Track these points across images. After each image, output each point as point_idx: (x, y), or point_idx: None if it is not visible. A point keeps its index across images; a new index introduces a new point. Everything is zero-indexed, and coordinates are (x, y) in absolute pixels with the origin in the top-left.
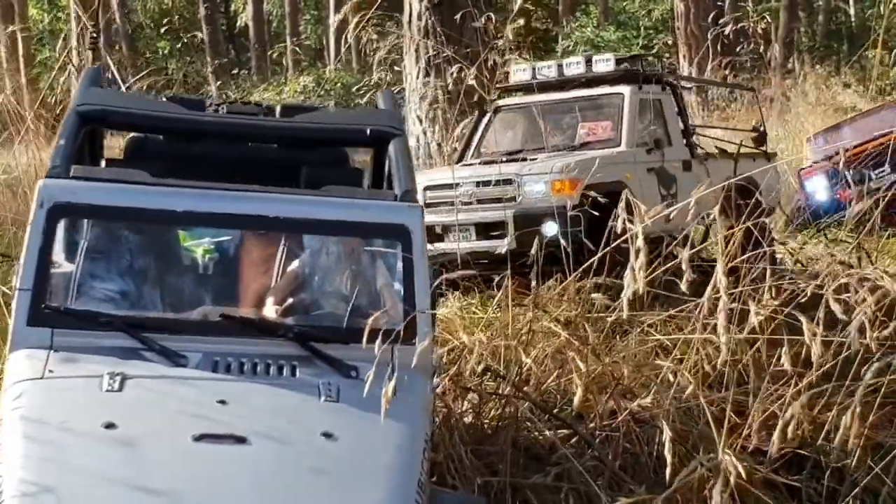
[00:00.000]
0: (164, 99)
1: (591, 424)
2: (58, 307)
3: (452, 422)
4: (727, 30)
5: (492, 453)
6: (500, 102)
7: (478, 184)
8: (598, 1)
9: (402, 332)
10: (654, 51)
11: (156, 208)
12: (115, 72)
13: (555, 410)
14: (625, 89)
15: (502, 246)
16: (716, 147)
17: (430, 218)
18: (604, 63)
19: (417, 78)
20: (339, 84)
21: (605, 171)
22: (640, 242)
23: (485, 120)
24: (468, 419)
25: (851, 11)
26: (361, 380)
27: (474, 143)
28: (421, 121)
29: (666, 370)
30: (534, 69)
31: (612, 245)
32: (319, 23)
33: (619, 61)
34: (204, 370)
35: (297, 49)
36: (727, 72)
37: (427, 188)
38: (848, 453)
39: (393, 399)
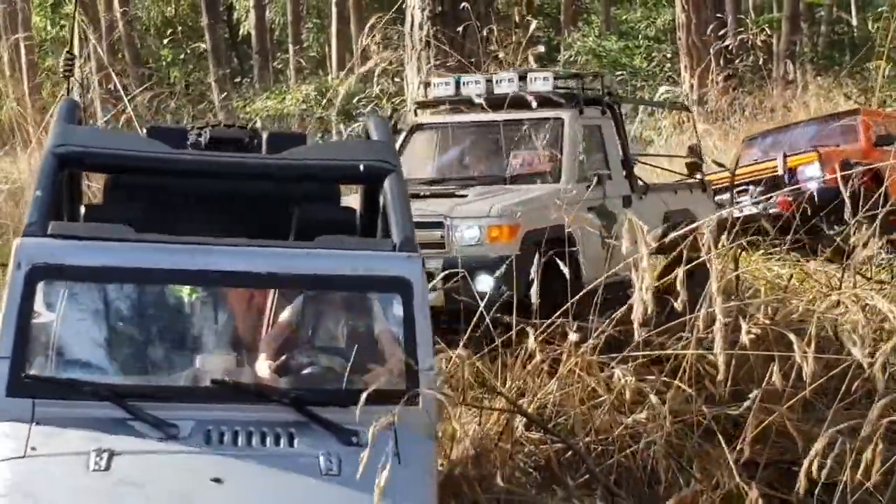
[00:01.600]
0: (145, 131)
1: (587, 439)
2: (38, 376)
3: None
4: (728, 42)
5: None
6: (420, 119)
7: None
8: (600, 11)
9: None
10: (654, 62)
11: (139, 267)
12: (117, 83)
13: (549, 425)
14: (565, 114)
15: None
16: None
17: None
18: (541, 81)
19: (419, 88)
20: (340, 94)
21: (546, 213)
22: (644, 263)
23: (399, 139)
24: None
25: (854, 22)
26: (362, 447)
27: None
28: None
29: (658, 384)
30: (458, 83)
31: (571, 301)
32: (322, 31)
33: (557, 78)
34: (196, 442)
35: (300, 59)
36: (727, 83)
37: None
38: (842, 469)
39: (398, 468)
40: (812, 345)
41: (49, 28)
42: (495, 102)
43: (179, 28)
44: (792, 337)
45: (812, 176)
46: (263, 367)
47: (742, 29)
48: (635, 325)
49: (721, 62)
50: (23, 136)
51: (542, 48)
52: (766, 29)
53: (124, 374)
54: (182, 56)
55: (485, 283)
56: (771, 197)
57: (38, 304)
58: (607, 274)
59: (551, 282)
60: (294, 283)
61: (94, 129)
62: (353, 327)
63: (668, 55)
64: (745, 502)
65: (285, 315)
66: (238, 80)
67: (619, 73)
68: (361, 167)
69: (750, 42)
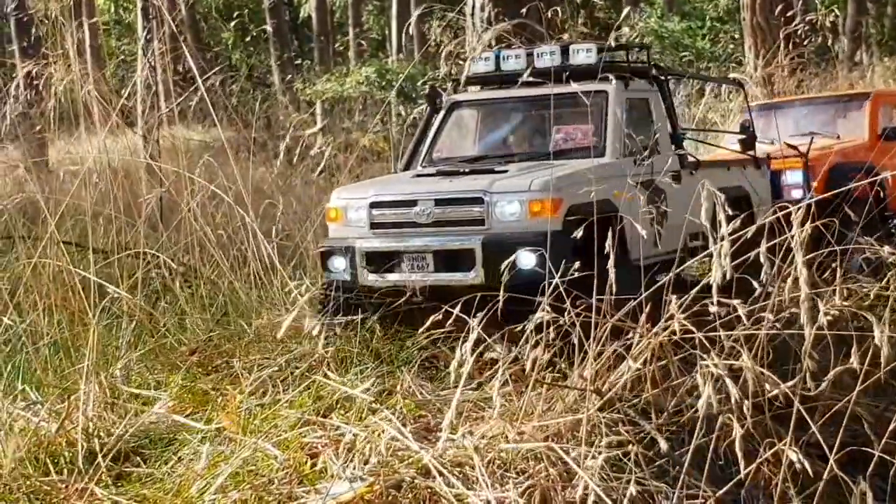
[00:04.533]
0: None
1: (659, 421)
2: None
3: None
4: (796, 23)
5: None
6: (458, 97)
7: (437, 202)
8: None
9: None
10: (720, 44)
11: None
12: (192, 64)
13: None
14: (609, 86)
15: (467, 280)
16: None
17: (378, 243)
18: (584, 53)
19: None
20: (401, 75)
21: (590, 187)
22: (724, 229)
23: (438, 118)
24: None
25: None
26: None
27: (425, 147)
28: None
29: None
30: (497, 58)
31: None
32: (382, 13)
33: (601, 51)
34: None
35: (360, 41)
36: (793, 64)
37: (373, 205)
38: None
39: None
40: (887, 327)
41: (112, 11)
42: (538, 77)
43: (241, 11)
44: (871, 318)
45: (796, 184)
46: None
47: (807, 9)
48: (713, 292)
49: (789, 45)
50: (89, 120)
51: (623, 31)
52: (835, 10)
53: None
54: (245, 39)
55: (528, 260)
56: None
57: None
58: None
59: (596, 259)
60: None
61: None
62: None
63: (734, 36)
64: (819, 486)
65: None
66: (299, 62)
67: (683, 54)
68: None
69: (817, 23)
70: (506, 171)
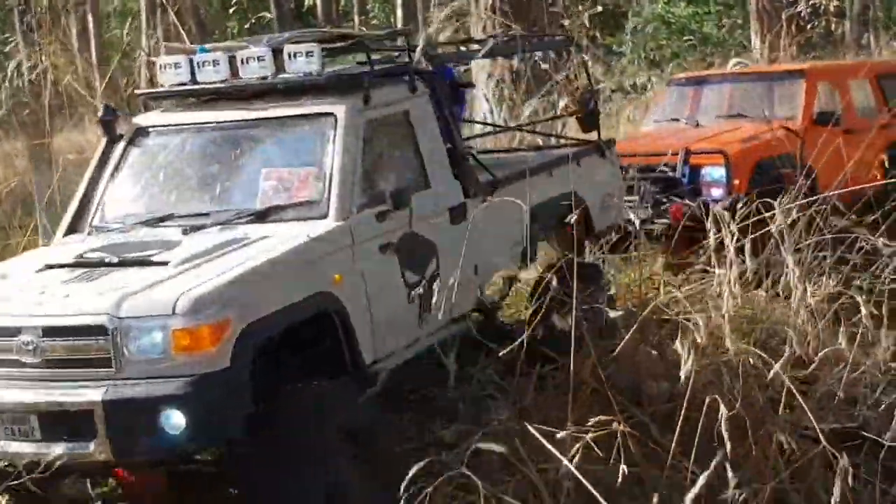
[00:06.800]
0: None
1: (651, 408)
2: None
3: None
4: (800, 7)
5: None
6: (143, 121)
7: (46, 331)
8: None
9: None
10: (724, 29)
11: None
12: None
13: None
14: (339, 106)
15: (88, 455)
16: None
17: None
18: (303, 60)
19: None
20: None
21: (290, 282)
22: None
23: (117, 151)
24: None
25: None
26: None
27: (97, 196)
28: (488, 100)
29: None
30: (192, 63)
31: None
32: (387, 1)
33: (334, 52)
34: None
35: (365, 28)
36: (796, 47)
37: None
38: None
39: None
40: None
41: (115, 0)
42: (248, 90)
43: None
44: (859, 299)
45: (716, 181)
46: None
47: None
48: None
49: (792, 28)
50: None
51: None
52: None
53: None
54: (247, 26)
55: (175, 421)
56: (664, 203)
57: None
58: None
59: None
60: None
61: None
62: None
63: (740, 21)
64: (813, 469)
65: None
66: None
67: (688, 39)
68: None
69: (822, 7)
70: (166, 265)
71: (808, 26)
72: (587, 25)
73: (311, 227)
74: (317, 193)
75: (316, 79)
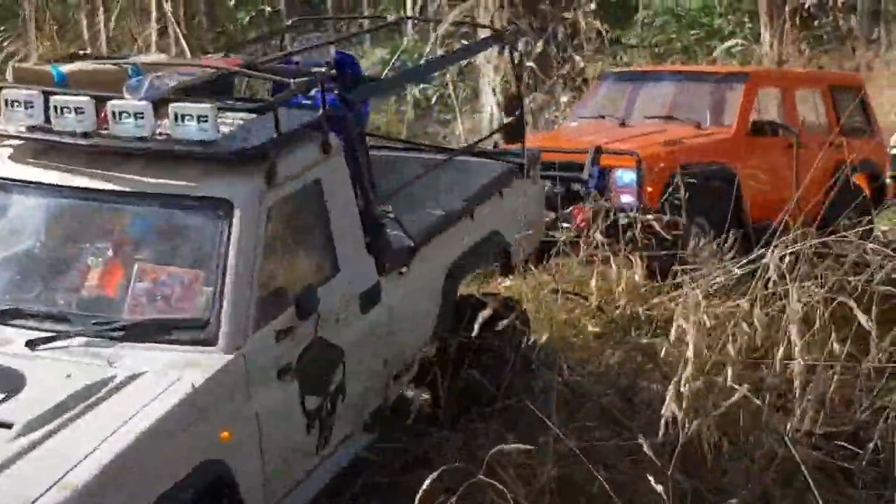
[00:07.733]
0: None
1: (639, 417)
2: None
3: None
4: (805, 1)
5: None
6: None
7: None
8: None
9: None
10: (733, 23)
11: None
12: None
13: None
14: (236, 191)
15: None
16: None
17: None
18: (194, 127)
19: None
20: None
21: (169, 460)
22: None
23: None
24: None
25: None
26: None
27: None
28: (494, 92)
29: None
30: (46, 105)
31: None
32: None
33: (229, 109)
34: None
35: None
36: (803, 41)
37: None
38: None
39: None
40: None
41: None
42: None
43: None
44: (851, 303)
45: (627, 187)
46: None
47: None
48: None
49: (797, 20)
50: None
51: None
52: None
53: None
54: (254, 14)
55: None
56: (569, 209)
57: None
58: None
59: None
60: None
61: None
62: None
63: (749, 15)
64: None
65: None
66: None
67: (695, 32)
68: None
69: (829, 1)
70: (10, 426)
71: (815, 21)
72: (591, 18)
73: (194, 361)
74: (203, 309)
75: (207, 150)
